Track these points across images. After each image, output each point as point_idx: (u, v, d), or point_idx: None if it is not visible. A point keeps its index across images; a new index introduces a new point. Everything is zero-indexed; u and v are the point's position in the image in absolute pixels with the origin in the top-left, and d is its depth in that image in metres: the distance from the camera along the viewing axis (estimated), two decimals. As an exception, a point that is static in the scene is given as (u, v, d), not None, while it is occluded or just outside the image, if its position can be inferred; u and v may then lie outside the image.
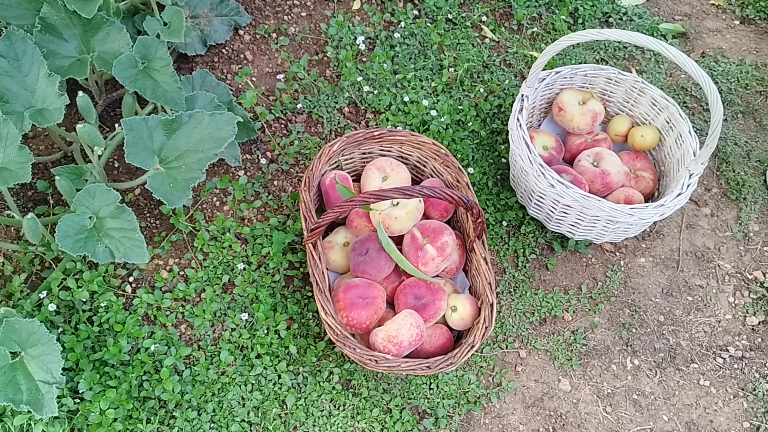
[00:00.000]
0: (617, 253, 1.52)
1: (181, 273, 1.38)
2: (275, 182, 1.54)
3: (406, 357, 1.26)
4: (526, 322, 1.41)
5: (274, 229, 1.44)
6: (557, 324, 1.42)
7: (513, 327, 1.40)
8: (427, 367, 1.19)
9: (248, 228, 1.43)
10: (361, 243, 1.32)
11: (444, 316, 1.30)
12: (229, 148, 1.48)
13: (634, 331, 1.43)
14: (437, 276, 1.37)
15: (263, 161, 1.54)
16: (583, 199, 1.33)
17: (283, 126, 1.61)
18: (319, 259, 1.26)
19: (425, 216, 1.39)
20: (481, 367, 1.36)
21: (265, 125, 1.60)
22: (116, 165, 1.51)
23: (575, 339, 1.40)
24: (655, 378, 1.39)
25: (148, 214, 1.46)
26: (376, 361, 1.18)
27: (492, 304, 1.25)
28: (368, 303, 1.25)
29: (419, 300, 1.29)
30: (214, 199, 1.51)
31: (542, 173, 1.36)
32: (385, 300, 1.28)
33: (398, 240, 1.35)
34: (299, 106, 1.62)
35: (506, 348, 1.39)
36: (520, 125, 1.41)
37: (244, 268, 1.39)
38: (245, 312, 1.35)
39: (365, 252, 1.31)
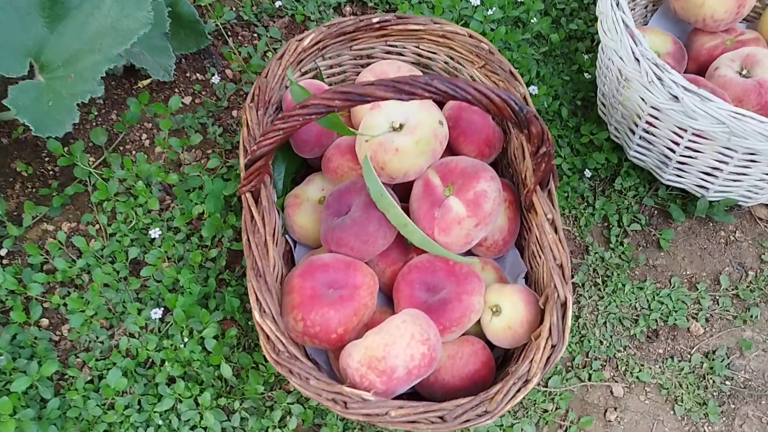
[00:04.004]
0: (781, 224, 0.92)
1: (71, 242, 0.88)
2: (233, 112, 1.02)
3: (402, 395, 0.72)
4: (624, 337, 0.84)
5: (219, 177, 0.92)
6: (679, 341, 0.84)
7: (601, 344, 0.83)
8: (440, 418, 0.64)
9: (177, 176, 0.92)
10: (339, 196, 0.78)
11: (479, 322, 0.75)
12: (156, 56, 0.97)
13: (819, 356, 0.83)
14: (469, 253, 0.81)
15: (216, 80, 1.02)
16: (733, 119, 0.74)
17: (253, 34, 1.09)
18: (263, 219, 0.73)
19: (452, 152, 0.83)
20: (545, 411, 0.80)
21: (227, 32, 1.08)
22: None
23: (712, 368, 0.82)
24: None
25: (45, 155, 0.97)
26: (345, 402, 0.64)
27: (565, 304, 0.69)
28: (344, 297, 0.71)
29: (434, 294, 0.74)
30: (144, 136, 1.00)
31: (658, 77, 0.78)
32: (376, 292, 0.73)
33: (404, 190, 0.80)
34: (278, 4, 1.10)
35: (589, 380, 0.82)
36: (618, 3, 0.83)
37: (163, 238, 0.88)
38: (158, 307, 0.84)
39: (345, 210, 0.77)
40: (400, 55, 0.90)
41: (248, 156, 0.69)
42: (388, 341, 0.66)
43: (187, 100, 1.03)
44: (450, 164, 0.77)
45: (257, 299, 0.69)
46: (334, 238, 0.75)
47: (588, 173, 0.93)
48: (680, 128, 0.81)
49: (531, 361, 0.66)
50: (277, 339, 0.67)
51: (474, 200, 0.73)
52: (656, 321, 0.85)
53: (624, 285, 0.87)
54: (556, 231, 0.73)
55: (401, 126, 0.76)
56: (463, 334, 0.75)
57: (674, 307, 0.85)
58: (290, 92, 0.72)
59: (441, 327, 0.71)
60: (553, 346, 0.67)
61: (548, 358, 0.67)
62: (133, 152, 0.97)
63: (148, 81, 1.06)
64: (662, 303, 0.86)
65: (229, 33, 1.08)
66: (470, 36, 0.85)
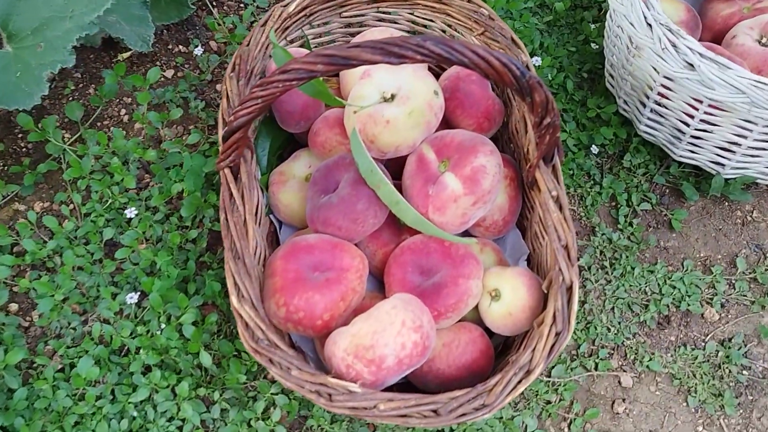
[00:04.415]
0: (801, 203, 0.86)
1: (43, 223, 0.82)
2: (216, 85, 0.96)
3: (393, 386, 0.67)
4: (633, 323, 0.78)
5: (200, 153, 0.86)
6: (692, 328, 0.79)
7: (608, 331, 0.78)
8: (434, 411, 0.58)
9: (156, 153, 0.86)
10: (326, 172, 0.72)
11: (477, 307, 0.69)
12: (134, 25, 0.91)
13: (843, 345, 0.77)
14: (466, 233, 0.76)
15: (199, 52, 0.96)
16: (754, 88, 0.68)
17: (239, 4, 1.03)
18: (242, 196, 0.67)
19: (448, 125, 0.78)
20: (548, 403, 0.74)
21: (212, 2, 1.02)
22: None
23: (728, 357, 0.76)
24: None
25: (18, 132, 0.91)
26: (330, 395, 0.58)
27: (571, 288, 0.63)
28: (330, 281, 0.65)
29: (428, 277, 0.68)
30: (122, 111, 0.94)
31: (672, 44, 0.72)
32: (366, 275, 0.68)
33: (396, 166, 0.75)
34: (269, -29, 1.04)
35: (596, 369, 0.76)
36: (629, -36, 0.76)
37: (141, 218, 0.82)
38: (134, 291, 0.78)
39: (333, 188, 0.71)
40: (394, 22, 0.84)
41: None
42: (377, 328, 0.60)
43: (169, 73, 0.97)
44: (446, 138, 0.71)
45: (235, 283, 0.63)
46: (320, 217, 0.69)
47: (595, 149, 0.87)
48: (696, 99, 0.75)
49: (533, 350, 0.61)
50: (256, 326, 0.61)
51: (471, 176, 0.67)
52: (668, 306, 0.79)
53: (633, 268, 0.81)
54: (561, 209, 0.67)
55: (393, 96, 0.70)
56: (459, 321, 0.70)
57: (687, 292, 0.80)
58: (273, 56, 0.66)
59: (435, 313, 0.66)
60: (557, 334, 0.61)
61: (552, 346, 0.61)
62: (111, 128, 0.91)
63: (129, 53, 1.00)
64: (674, 287, 0.80)
65: (213, 2, 1.02)
66: (468, 1, 0.79)
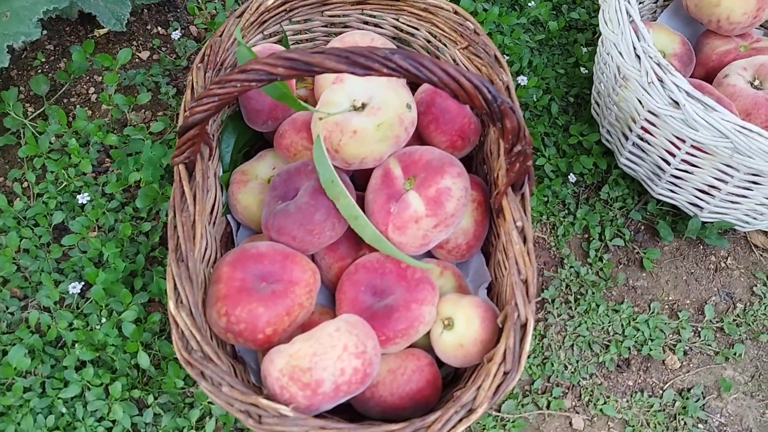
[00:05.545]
0: (778, 255, 0.84)
1: (-9, 201, 0.79)
2: (192, 72, 0.92)
3: (334, 409, 0.64)
4: (591, 363, 0.76)
5: (164, 142, 0.83)
6: (651, 374, 0.76)
7: (565, 369, 0.75)
8: (367, 443, 0.55)
9: (118, 137, 0.82)
10: (287, 177, 0.69)
11: (429, 334, 0.66)
12: (109, 2, 0.87)
13: (804, 406, 0.75)
14: (429, 255, 0.73)
15: (176, 36, 0.93)
16: (738, 134, 0.65)
17: (225, -11, 0.99)
18: (194, 196, 0.64)
19: (422, 141, 0.74)
20: (494, 439, 0.72)
21: (195, -16, 0.98)
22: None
23: (685, 408, 0.73)
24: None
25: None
26: (260, 416, 0.55)
27: (525, 326, 0.60)
28: (276, 293, 0.62)
29: (380, 299, 0.65)
30: (91, 90, 0.91)
31: (659, 78, 0.69)
32: (316, 291, 0.64)
33: (364, 176, 0.72)
34: (256, -41, 0.99)
35: (548, 408, 0.73)
36: (624, -9, 0.73)
37: (93, 204, 0.78)
38: (79, 281, 0.75)
39: (292, 195, 0.68)
40: (378, 26, 0.81)
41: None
42: (317, 350, 0.57)
43: (145, 54, 0.94)
44: (414, 154, 0.68)
45: (175, 287, 0.60)
46: (275, 224, 0.66)
47: (573, 178, 0.84)
48: (678, 138, 0.72)
49: (479, 388, 0.58)
50: (191, 335, 0.58)
51: (435, 198, 0.64)
52: (629, 349, 0.76)
53: (598, 305, 0.78)
54: (525, 241, 0.64)
55: (363, 105, 0.67)
56: (411, 346, 0.67)
57: (651, 336, 0.77)
58: (237, 53, 0.63)
59: (384, 337, 0.63)
60: (505, 373, 0.58)
61: (499, 386, 0.58)
62: (78, 106, 0.88)
63: (105, 30, 0.96)
64: (638, 329, 0.77)
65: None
66: (455, 12, 0.76)
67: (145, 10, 0.97)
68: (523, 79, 0.87)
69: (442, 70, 0.52)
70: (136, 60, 0.93)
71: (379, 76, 0.51)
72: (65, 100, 0.89)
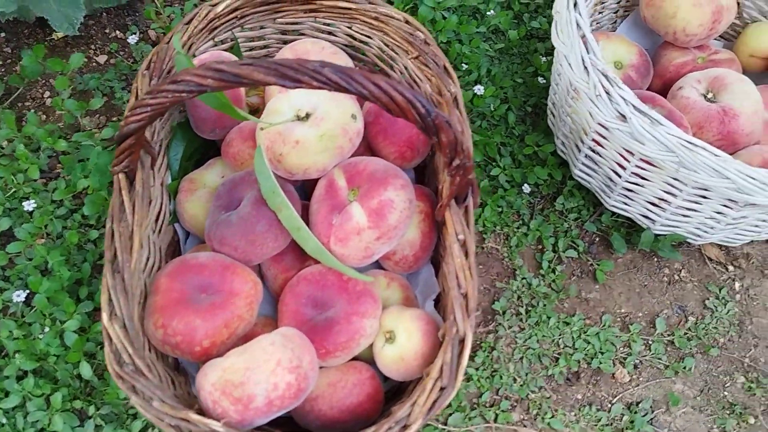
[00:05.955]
0: (731, 267, 0.83)
1: (-63, 207, 0.78)
2: (148, 77, 0.91)
3: (274, 422, 0.63)
4: (541, 376, 0.75)
5: (113, 148, 0.82)
6: (601, 387, 0.76)
7: (514, 382, 0.75)
8: (298, 460, 0.55)
9: (67, 143, 0.81)
10: (231, 187, 0.68)
11: (372, 347, 0.66)
12: (62, 5, 0.86)
13: (751, 422, 0.74)
14: (377, 265, 0.73)
15: (133, 41, 0.92)
16: (684, 149, 0.65)
17: (186, -7, 0.99)
18: (133, 206, 0.63)
19: (371, 152, 0.74)
20: (439, 452, 0.71)
21: (155, -11, 0.97)
22: None
23: (633, 422, 0.73)
24: None
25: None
26: (190, 431, 0.55)
27: (463, 341, 0.59)
28: (215, 305, 0.61)
29: (321, 311, 0.65)
30: (46, 94, 0.90)
31: (606, 91, 0.68)
32: (257, 303, 0.64)
33: (313, 187, 0.71)
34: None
35: (495, 421, 0.73)
36: (575, 3, 0.73)
37: (42, 211, 0.77)
38: (24, 289, 0.74)
39: (236, 205, 0.67)
40: (331, 35, 0.80)
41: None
42: (250, 365, 0.56)
43: (102, 58, 0.93)
44: (359, 165, 0.67)
45: (109, 299, 0.59)
46: (217, 235, 0.65)
47: (527, 188, 0.84)
48: (627, 151, 0.72)
49: (414, 404, 0.57)
50: (123, 348, 0.57)
51: (378, 210, 0.63)
52: (579, 362, 0.76)
53: (549, 318, 0.78)
54: (466, 255, 0.63)
55: (308, 116, 0.66)
56: (354, 359, 0.66)
57: (601, 349, 0.77)
58: (176, 61, 0.62)
59: (323, 351, 0.62)
60: (442, 389, 0.58)
61: (435, 401, 0.58)
62: (32, 111, 0.87)
63: (63, 33, 0.95)
64: (588, 342, 0.77)
65: (155, -10, 0.98)
66: (406, 21, 0.75)
67: (104, 14, 0.97)
68: (479, 89, 0.87)
69: (374, 83, 0.51)
70: (93, 64, 0.92)
71: (308, 88, 0.50)
72: (19, 104, 0.88)
